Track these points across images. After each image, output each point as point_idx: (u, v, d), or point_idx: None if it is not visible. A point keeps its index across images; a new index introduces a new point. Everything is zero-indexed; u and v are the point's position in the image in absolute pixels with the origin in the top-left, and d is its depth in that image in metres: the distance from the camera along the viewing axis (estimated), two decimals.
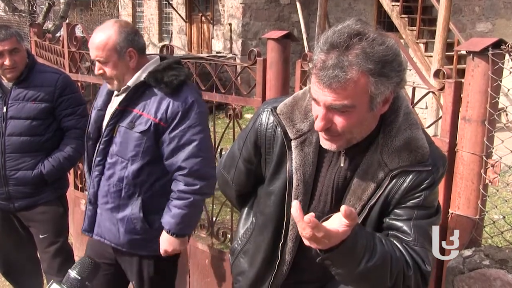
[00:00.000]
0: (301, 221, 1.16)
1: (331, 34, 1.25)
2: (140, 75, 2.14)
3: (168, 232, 2.16)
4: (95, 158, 2.22)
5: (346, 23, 1.27)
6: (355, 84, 1.22)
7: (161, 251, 2.20)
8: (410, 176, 1.36)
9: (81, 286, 1.25)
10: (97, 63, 2.14)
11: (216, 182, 1.96)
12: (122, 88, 2.16)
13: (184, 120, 2.11)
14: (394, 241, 1.36)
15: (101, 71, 2.13)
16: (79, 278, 1.26)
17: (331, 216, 1.24)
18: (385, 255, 1.29)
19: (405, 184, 1.36)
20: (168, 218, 2.16)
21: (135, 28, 2.25)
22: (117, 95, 2.21)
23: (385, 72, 1.24)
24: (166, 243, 2.18)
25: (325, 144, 1.37)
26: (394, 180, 1.36)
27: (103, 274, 2.27)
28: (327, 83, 1.23)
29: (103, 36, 2.10)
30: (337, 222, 1.19)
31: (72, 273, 1.26)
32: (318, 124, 1.30)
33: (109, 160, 2.19)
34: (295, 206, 1.18)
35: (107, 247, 2.30)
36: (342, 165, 1.42)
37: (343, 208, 1.15)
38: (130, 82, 2.15)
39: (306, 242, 1.21)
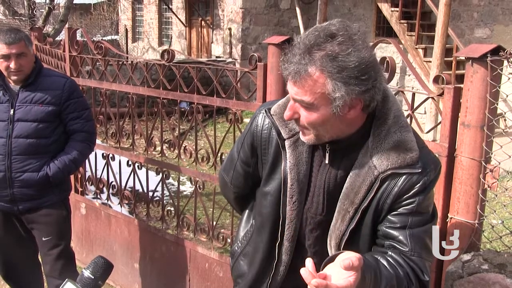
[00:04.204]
0: (311, 285, 1.14)
1: (310, 31, 1.30)
2: None
3: None
4: None
5: (329, 22, 1.31)
6: (314, 82, 1.27)
7: None
8: (401, 180, 1.36)
9: (94, 285, 1.27)
10: None
11: None
12: None
13: None
14: (394, 255, 1.36)
15: None
16: (93, 277, 1.28)
17: (333, 256, 1.22)
18: (391, 280, 1.30)
19: (396, 188, 1.37)
20: None
21: None
22: None
23: (343, 77, 1.25)
24: None
25: (300, 134, 1.43)
26: (385, 183, 1.37)
27: None
28: (288, 76, 1.30)
29: None
30: (344, 274, 1.16)
31: (86, 272, 1.27)
32: (286, 113, 1.38)
33: None
34: (307, 265, 1.17)
35: None
36: (326, 161, 1.44)
37: (342, 264, 1.13)
38: None
39: None
